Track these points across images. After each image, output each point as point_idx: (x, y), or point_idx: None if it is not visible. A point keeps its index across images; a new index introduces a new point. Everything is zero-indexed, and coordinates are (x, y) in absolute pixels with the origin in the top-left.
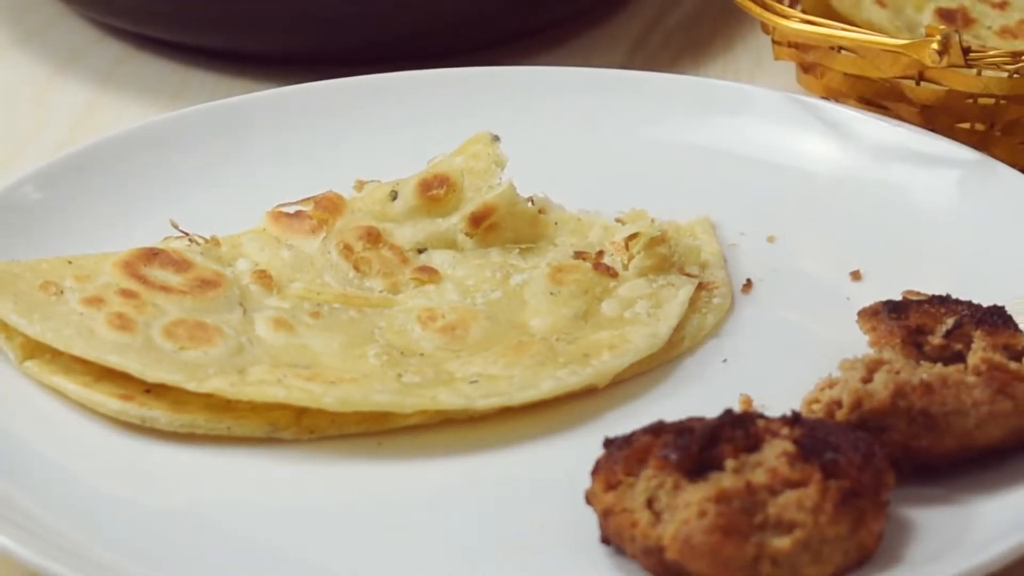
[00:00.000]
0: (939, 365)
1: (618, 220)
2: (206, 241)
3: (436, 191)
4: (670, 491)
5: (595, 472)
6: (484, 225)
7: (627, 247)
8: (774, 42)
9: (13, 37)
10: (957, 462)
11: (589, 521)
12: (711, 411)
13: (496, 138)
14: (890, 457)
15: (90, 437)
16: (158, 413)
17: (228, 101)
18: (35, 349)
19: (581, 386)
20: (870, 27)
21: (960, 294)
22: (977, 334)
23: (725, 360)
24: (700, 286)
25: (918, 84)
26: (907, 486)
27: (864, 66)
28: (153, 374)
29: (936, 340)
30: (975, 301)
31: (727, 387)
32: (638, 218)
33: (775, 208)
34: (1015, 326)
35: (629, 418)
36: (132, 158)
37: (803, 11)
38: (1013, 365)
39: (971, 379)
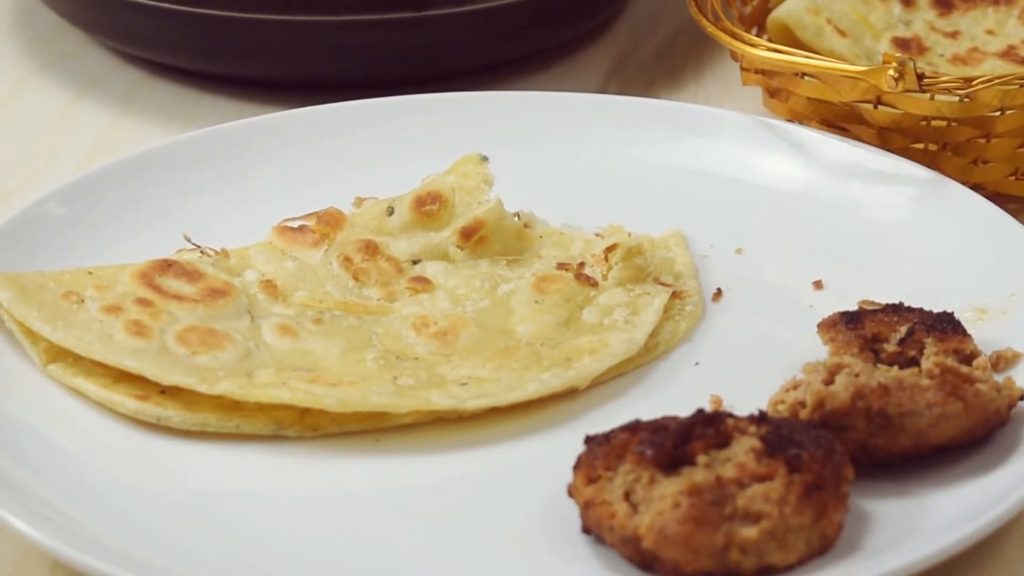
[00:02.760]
0: (895, 369)
1: (598, 234)
2: (216, 253)
3: (429, 207)
4: (646, 484)
5: (576, 467)
6: (474, 238)
7: (606, 259)
8: (742, 69)
9: (39, 63)
10: (911, 459)
11: (571, 513)
12: (684, 410)
13: (485, 158)
14: (849, 453)
15: (109, 435)
16: (172, 413)
17: (238, 123)
18: (58, 353)
19: (563, 388)
20: (831, 55)
21: (914, 302)
22: (929, 340)
23: (697, 363)
24: (674, 295)
25: (876, 107)
26: (865, 480)
27: (826, 91)
28: (167, 377)
29: (891, 347)
30: (927, 308)
31: (699, 388)
32: (616, 232)
33: (743, 223)
34: (964, 331)
35: (608, 417)
36: (148, 176)
37: (769, 40)
38: (964, 369)
39: (925, 382)
